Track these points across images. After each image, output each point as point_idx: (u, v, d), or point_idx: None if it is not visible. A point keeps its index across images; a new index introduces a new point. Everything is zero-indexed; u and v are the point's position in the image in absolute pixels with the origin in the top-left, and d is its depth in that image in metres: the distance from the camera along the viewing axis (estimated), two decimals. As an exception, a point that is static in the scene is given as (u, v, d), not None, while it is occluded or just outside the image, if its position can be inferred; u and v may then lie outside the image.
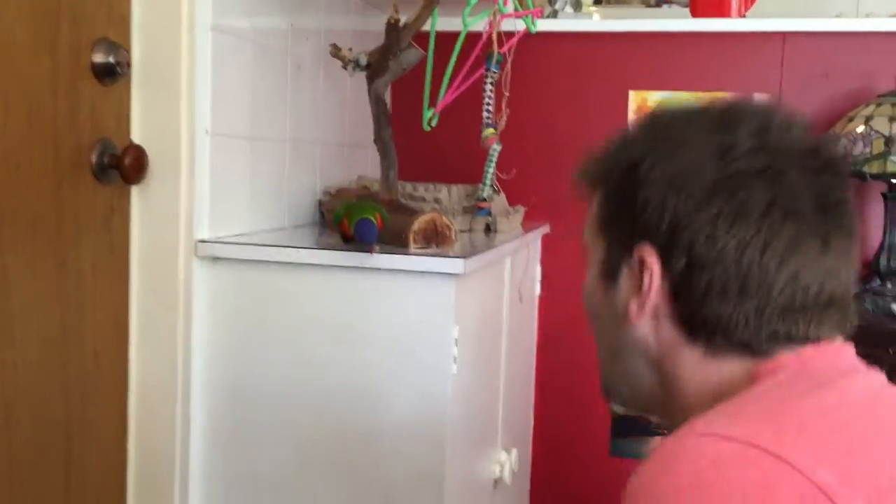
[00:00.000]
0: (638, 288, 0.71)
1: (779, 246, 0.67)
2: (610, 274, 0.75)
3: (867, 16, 3.49)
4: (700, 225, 0.67)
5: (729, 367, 0.70)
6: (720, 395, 0.68)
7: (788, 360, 0.68)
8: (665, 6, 3.93)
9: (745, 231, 0.67)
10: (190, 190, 1.33)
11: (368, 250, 1.25)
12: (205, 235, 1.35)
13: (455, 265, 1.26)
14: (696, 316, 0.70)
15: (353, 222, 1.29)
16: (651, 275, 0.70)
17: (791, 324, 0.68)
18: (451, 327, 1.28)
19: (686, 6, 3.79)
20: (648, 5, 3.97)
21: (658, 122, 0.75)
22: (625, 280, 0.73)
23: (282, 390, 1.34)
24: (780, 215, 0.67)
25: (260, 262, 1.33)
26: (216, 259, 1.35)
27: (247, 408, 1.36)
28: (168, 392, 1.33)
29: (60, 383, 1.20)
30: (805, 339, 0.69)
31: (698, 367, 0.71)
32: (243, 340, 1.36)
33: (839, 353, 0.71)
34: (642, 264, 0.71)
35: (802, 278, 0.67)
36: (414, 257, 1.28)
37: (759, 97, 0.75)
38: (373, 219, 1.28)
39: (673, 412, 0.74)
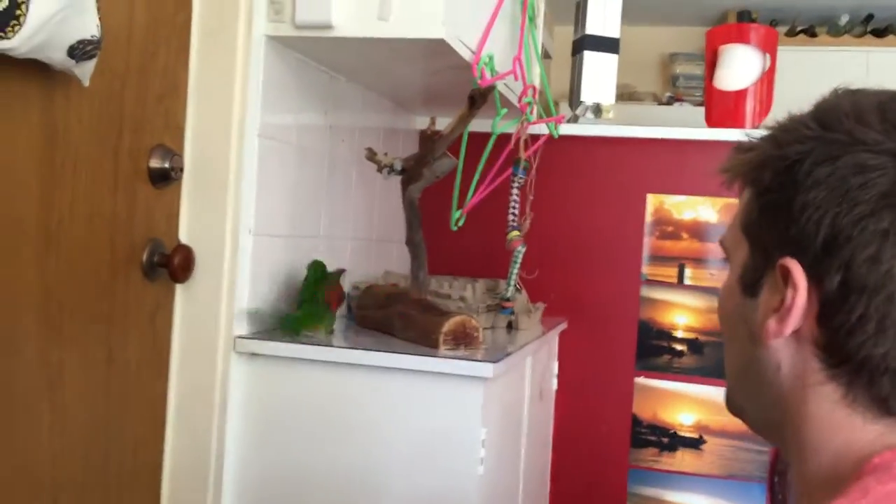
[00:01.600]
0: (779, 305, 0.62)
1: None
2: (750, 284, 0.66)
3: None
4: (864, 240, 0.57)
5: (864, 426, 0.61)
6: (849, 461, 0.60)
7: None
8: (676, 104, 4.07)
9: None
10: (231, 287, 1.39)
11: None
12: (243, 331, 1.40)
13: (485, 369, 1.31)
14: (842, 349, 0.60)
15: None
16: (796, 292, 0.60)
17: None
18: (479, 430, 1.32)
19: (697, 105, 3.93)
20: (660, 103, 4.12)
21: (829, 112, 0.63)
22: (766, 293, 0.64)
23: (311, 487, 1.37)
24: None
25: (296, 360, 1.38)
26: (254, 355, 1.40)
27: (276, 502, 1.39)
28: (200, 485, 1.37)
29: (101, 475, 1.24)
30: None
31: (831, 413, 0.62)
32: (276, 435, 1.39)
33: None
34: (786, 279, 0.61)
35: None
36: (444, 359, 1.33)
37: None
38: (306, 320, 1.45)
39: (793, 452, 0.65)
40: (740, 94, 2.10)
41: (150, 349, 1.33)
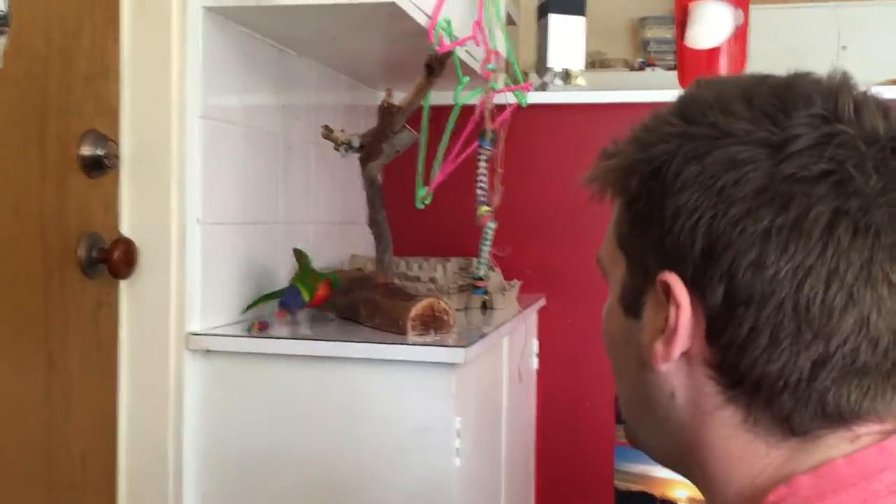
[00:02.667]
0: (664, 325, 0.55)
1: (847, 277, 0.50)
2: (631, 304, 0.59)
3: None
4: (744, 244, 0.51)
5: (768, 453, 0.54)
6: (749, 497, 0.55)
7: (836, 466, 0.52)
8: (649, 69, 3.99)
9: (803, 254, 0.50)
10: (181, 282, 1.29)
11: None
12: (196, 328, 1.31)
13: (455, 354, 1.22)
14: (736, 368, 0.53)
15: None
16: (679, 310, 0.54)
17: (846, 393, 0.52)
18: (454, 419, 1.24)
19: (670, 69, 3.85)
20: (632, 69, 4.04)
21: (692, 105, 0.57)
22: (649, 312, 0.57)
23: (278, 488, 1.29)
24: (849, 233, 0.50)
25: (254, 355, 1.29)
26: (208, 352, 1.30)
27: (241, 507, 1.30)
28: (159, 494, 1.28)
29: (46, 490, 1.15)
30: (857, 417, 0.53)
31: (731, 441, 0.55)
32: (238, 437, 1.30)
33: None
34: (668, 295, 0.54)
35: (872, 326, 0.51)
36: (412, 347, 1.24)
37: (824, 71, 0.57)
38: (301, 287, 1.39)
39: (702, 488, 0.59)
40: (713, 53, 2.02)
41: (94, 351, 1.23)
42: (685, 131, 0.55)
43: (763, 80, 0.56)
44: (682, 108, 0.57)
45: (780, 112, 0.53)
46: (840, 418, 0.53)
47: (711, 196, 0.52)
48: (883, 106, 0.54)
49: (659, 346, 0.56)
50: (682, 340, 0.55)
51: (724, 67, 2.03)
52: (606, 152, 0.61)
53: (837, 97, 0.53)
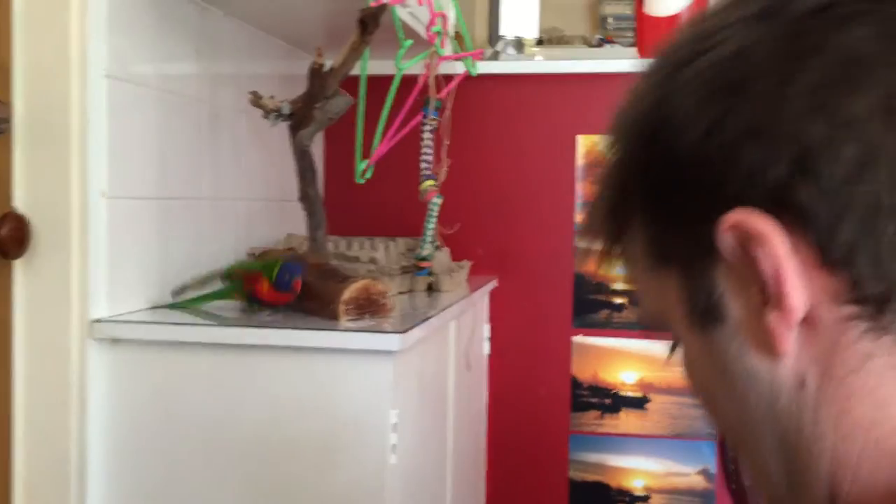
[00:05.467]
0: (762, 287, 0.39)
1: None
2: (705, 309, 0.43)
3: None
4: (820, 122, 0.37)
5: None
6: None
7: None
8: (608, 45, 3.89)
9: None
10: (83, 262, 1.15)
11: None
12: (102, 314, 1.17)
13: (391, 341, 1.10)
14: (882, 276, 0.38)
15: (275, 273, 1.18)
16: (771, 245, 0.38)
17: None
18: (389, 412, 1.12)
19: (630, 46, 3.76)
20: (590, 45, 3.93)
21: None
22: (734, 299, 0.41)
23: (194, 488, 1.16)
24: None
25: (166, 343, 1.16)
26: (116, 341, 1.17)
27: (154, 512, 1.17)
28: (61, 501, 1.14)
29: (-79, 500, 1.01)
30: None
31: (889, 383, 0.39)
32: (149, 433, 1.17)
33: None
34: (745, 244, 0.39)
35: None
36: (343, 333, 1.12)
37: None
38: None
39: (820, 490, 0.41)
40: (673, 20, 1.91)
41: (-18, 342, 1.09)
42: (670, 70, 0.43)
43: None
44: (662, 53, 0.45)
45: None
46: None
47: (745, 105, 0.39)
48: None
49: (772, 318, 0.39)
50: (799, 284, 0.38)
51: (684, 37, 1.93)
52: (592, 206, 0.49)
53: None
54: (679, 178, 0.42)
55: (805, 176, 0.37)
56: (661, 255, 0.45)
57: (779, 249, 0.38)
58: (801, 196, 0.37)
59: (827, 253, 0.38)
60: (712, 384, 0.45)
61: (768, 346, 0.40)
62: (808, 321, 0.39)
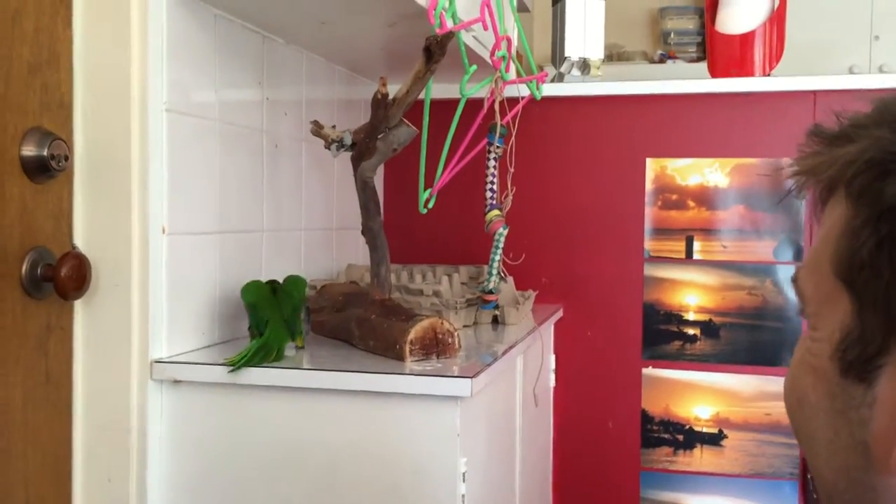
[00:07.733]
0: None
1: None
2: (855, 362, 0.40)
3: (881, 67, 3.34)
4: None
5: None
6: None
7: None
8: (670, 62, 3.79)
9: None
10: (143, 301, 1.12)
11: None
12: (162, 354, 1.14)
13: (460, 386, 1.04)
14: None
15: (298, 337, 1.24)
16: None
17: None
18: (458, 461, 1.06)
19: (692, 61, 3.66)
20: (652, 62, 3.84)
21: None
22: (889, 383, 0.39)
23: (256, 539, 1.11)
24: None
25: (228, 386, 1.12)
26: (176, 382, 1.13)
27: (214, 560, 1.13)
28: (118, 547, 1.11)
29: (-21, 550, 0.98)
30: None
31: None
32: (210, 478, 1.13)
33: None
34: None
35: None
36: (409, 377, 1.06)
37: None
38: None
39: None
40: (747, 38, 1.83)
41: (41, 384, 1.06)
42: None
43: None
44: None
45: None
46: None
47: None
48: None
49: None
50: None
51: (759, 55, 1.84)
52: (833, 135, 0.43)
53: None
54: None
55: None
56: (850, 272, 0.40)
57: None
58: None
59: None
60: (815, 407, 0.43)
61: (890, 460, 0.38)
62: None
